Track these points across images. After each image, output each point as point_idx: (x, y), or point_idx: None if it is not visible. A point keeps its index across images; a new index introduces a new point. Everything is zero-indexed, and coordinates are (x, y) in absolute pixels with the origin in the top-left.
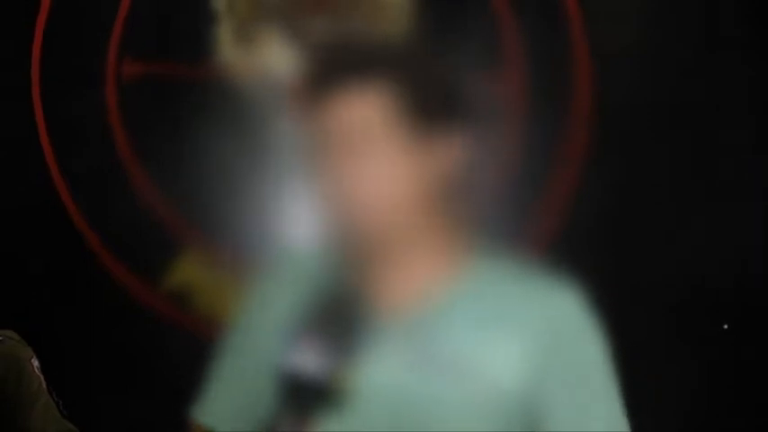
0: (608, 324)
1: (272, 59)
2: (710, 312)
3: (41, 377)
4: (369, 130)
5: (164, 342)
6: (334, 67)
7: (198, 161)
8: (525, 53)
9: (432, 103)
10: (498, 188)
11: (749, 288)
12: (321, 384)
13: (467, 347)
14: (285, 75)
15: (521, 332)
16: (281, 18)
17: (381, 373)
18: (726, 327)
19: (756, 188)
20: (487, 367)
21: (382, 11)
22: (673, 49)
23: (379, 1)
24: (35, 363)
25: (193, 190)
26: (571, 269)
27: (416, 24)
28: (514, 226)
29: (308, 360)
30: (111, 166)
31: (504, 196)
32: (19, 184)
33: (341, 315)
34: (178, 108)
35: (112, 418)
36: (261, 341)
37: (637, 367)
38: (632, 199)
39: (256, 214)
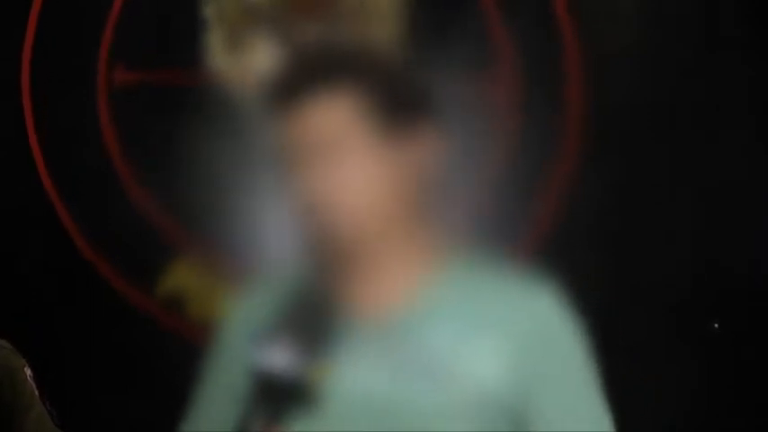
0: (608, 324)
1: (262, 66)
2: (711, 312)
3: (34, 386)
4: (339, 135)
5: (163, 342)
6: (302, 73)
7: (190, 167)
8: (517, 54)
9: (401, 104)
10: (495, 188)
11: (749, 288)
12: (292, 385)
13: (447, 351)
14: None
15: (501, 335)
16: (272, 24)
17: (360, 377)
18: (716, 326)
19: (756, 188)
20: (468, 370)
21: (373, 15)
22: (673, 49)
23: (370, 5)
24: (28, 371)
25: (186, 196)
26: (569, 269)
27: (407, 28)
28: (512, 226)
29: (279, 361)
30: (103, 172)
31: (501, 196)
32: (13, 186)
33: (313, 317)
34: (169, 114)
35: (111, 418)
36: (244, 355)
37: (637, 367)
38: (632, 199)
39: (249, 220)
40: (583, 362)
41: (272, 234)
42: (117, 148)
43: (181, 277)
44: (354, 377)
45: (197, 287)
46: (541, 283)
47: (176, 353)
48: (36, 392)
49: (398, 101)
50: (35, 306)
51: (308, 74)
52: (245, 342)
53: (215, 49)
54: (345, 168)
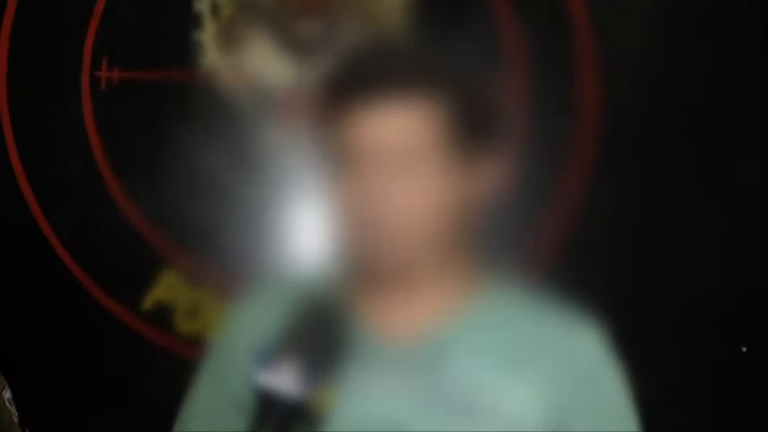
0: (621, 336)
1: (258, 64)
2: (727, 328)
3: (12, 409)
4: (407, 149)
5: (151, 356)
6: (374, 77)
7: (179, 173)
8: (529, 53)
9: (477, 119)
10: (505, 198)
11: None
12: (296, 405)
13: (474, 383)
14: (273, 80)
15: (534, 370)
16: (268, 20)
17: (375, 402)
18: (744, 349)
19: None
20: (496, 405)
21: (377, 12)
22: (690, 49)
23: (374, 1)
24: (6, 395)
25: (175, 203)
26: (581, 279)
27: (412, 26)
28: (523, 237)
29: (284, 379)
30: (86, 178)
31: (511, 203)
32: None
33: (325, 335)
34: (159, 116)
35: None
36: (241, 366)
37: (651, 378)
38: (648, 207)
39: (242, 230)
40: (621, 400)
41: (266, 245)
42: (101, 153)
43: (169, 290)
44: (368, 402)
45: (186, 301)
46: (579, 317)
47: (164, 367)
48: (15, 416)
49: (475, 116)
50: (16, 320)
51: (381, 76)
52: (244, 355)
53: (208, 47)
54: (405, 182)
